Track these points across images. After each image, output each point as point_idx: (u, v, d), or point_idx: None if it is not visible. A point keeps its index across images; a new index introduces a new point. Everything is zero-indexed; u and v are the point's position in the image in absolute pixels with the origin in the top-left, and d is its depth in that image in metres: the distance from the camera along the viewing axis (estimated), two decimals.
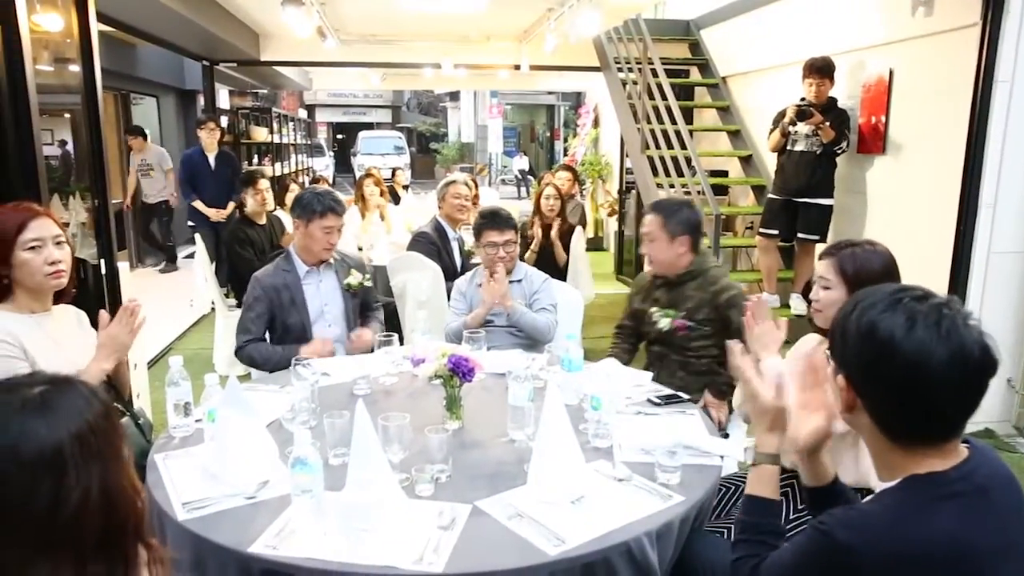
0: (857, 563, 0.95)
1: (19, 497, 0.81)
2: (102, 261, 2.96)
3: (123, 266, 3.10)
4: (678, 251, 2.33)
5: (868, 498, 1.08)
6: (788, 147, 4.10)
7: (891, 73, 3.86)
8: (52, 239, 1.75)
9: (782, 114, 4.13)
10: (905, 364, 0.95)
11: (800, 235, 4.13)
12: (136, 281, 3.85)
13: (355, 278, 2.62)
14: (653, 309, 2.39)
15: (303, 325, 2.56)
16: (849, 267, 1.66)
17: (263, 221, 4.32)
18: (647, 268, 2.53)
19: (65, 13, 2.88)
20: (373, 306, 2.80)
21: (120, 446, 0.90)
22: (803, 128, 4.00)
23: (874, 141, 4.00)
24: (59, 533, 0.82)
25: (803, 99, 4.07)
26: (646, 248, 2.38)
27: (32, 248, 1.71)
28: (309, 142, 13.17)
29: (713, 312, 2.32)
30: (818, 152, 4.01)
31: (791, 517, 1.65)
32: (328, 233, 2.53)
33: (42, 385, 0.89)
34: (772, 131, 4.17)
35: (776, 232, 4.23)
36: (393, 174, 8.22)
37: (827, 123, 3.89)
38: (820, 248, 3.97)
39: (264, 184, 4.33)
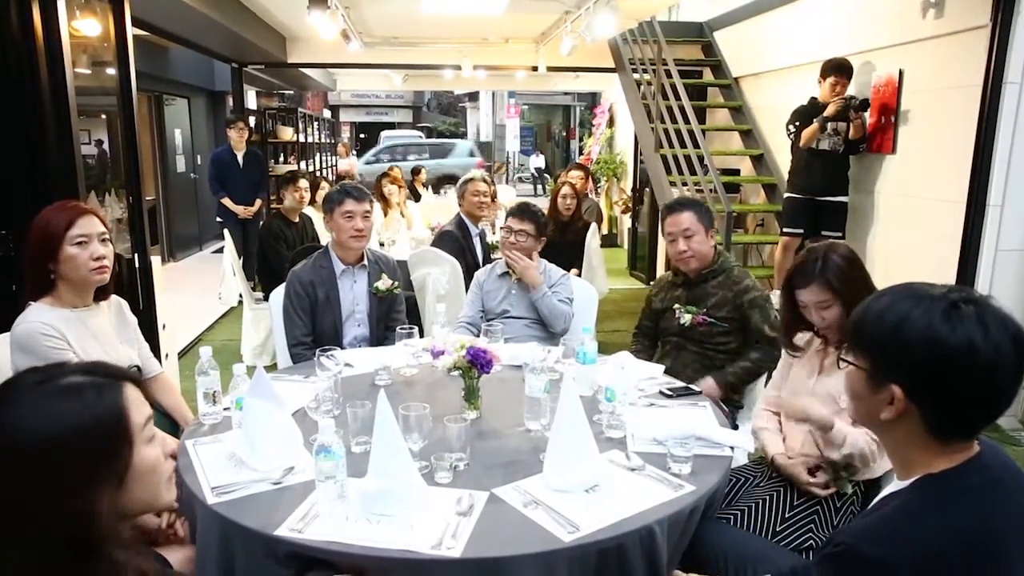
0: (891, 573, 0.94)
1: None
2: (135, 255, 3.06)
3: (155, 260, 3.19)
4: (711, 242, 2.39)
5: (876, 501, 1.08)
6: (812, 146, 4.09)
7: (901, 74, 3.86)
8: (98, 236, 1.82)
9: (808, 109, 4.11)
10: (986, 370, 0.96)
11: (824, 233, 4.13)
12: (167, 275, 3.96)
13: (384, 283, 2.60)
14: (676, 306, 2.42)
15: (334, 323, 2.56)
16: (834, 280, 1.69)
17: (296, 219, 4.45)
18: (665, 269, 2.56)
19: (102, 19, 2.96)
20: (394, 315, 2.69)
21: (102, 464, 0.88)
22: (827, 126, 4.01)
23: (884, 140, 3.99)
24: (15, 525, 0.83)
25: (813, 99, 4.09)
26: (685, 245, 2.34)
27: (79, 243, 1.78)
28: (333, 141, 13.31)
29: (735, 311, 2.35)
30: (841, 151, 4.04)
31: (786, 516, 1.67)
32: (349, 218, 2.50)
33: (80, 376, 0.92)
34: (798, 127, 4.15)
35: (802, 231, 4.24)
36: (415, 173, 8.32)
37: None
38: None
39: (304, 184, 4.48)
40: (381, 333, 2.66)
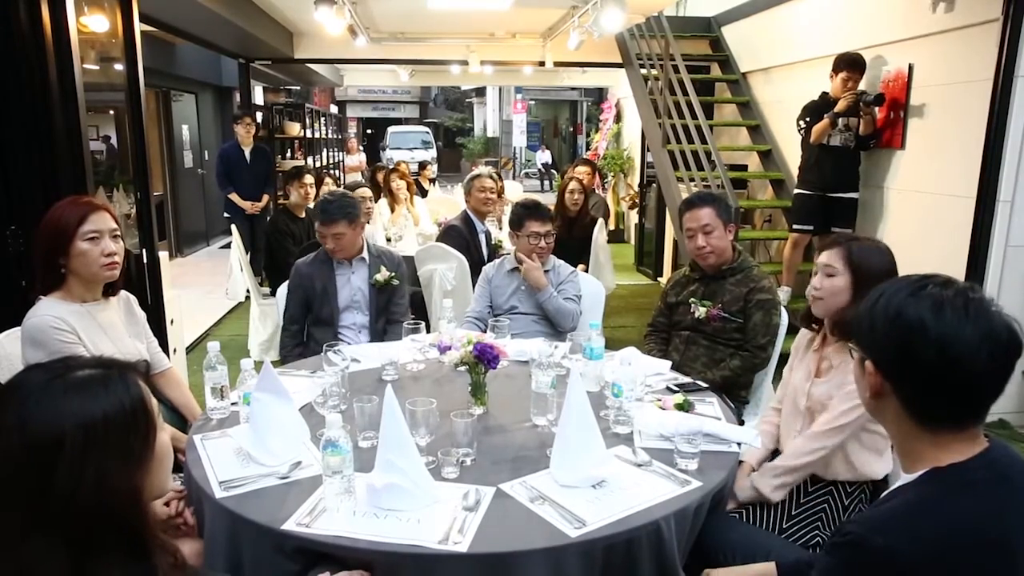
0: (899, 564, 0.94)
1: (14, 470, 0.85)
2: (143, 251, 3.07)
3: (163, 255, 3.20)
4: (729, 238, 2.39)
5: (885, 494, 1.08)
6: (824, 142, 4.05)
7: (911, 68, 3.82)
8: (109, 232, 1.82)
9: (819, 104, 4.07)
10: (936, 346, 0.97)
11: (835, 229, 4.10)
12: (174, 270, 3.99)
13: (382, 275, 2.70)
14: (692, 300, 2.43)
15: (332, 314, 2.67)
16: (856, 258, 1.69)
17: (302, 214, 4.46)
18: (672, 265, 2.56)
19: (110, 15, 2.97)
20: (393, 308, 2.76)
21: (138, 449, 0.91)
22: (838, 122, 3.99)
23: (893, 136, 3.95)
24: (47, 514, 0.85)
25: (824, 93, 4.06)
26: (703, 240, 2.34)
27: (90, 239, 1.79)
28: (340, 137, 13.35)
29: (743, 306, 2.34)
30: (852, 146, 4.01)
31: (794, 513, 1.67)
32: (323, 239, 2.64)
33: (92, 369, 0.93)
34: (809, 123, 4.12)
35: (812, 228, 4.20)
36: (422, 168, 8.33)
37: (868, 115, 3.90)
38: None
39: (309, 180, 4.50)
40: (382, 327, 2.74)
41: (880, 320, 1.02)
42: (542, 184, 18.38)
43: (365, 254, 2.73)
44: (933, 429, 1.01)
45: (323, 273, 2.69)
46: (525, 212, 2.74)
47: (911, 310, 0.99)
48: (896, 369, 1.02)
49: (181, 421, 2.05)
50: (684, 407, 1.84)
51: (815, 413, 1.71)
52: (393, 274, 2.73)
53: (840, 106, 3.91)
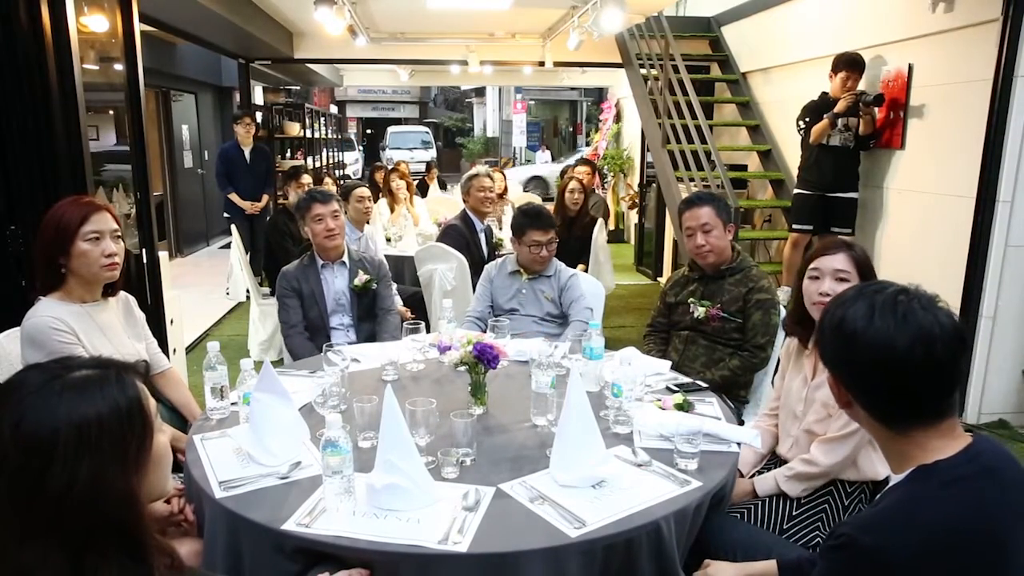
0: (890, 562, 0.95)
1: (9, 470, 0.85)
2: (143, 251, 3.07)
3: (163, 255, 3.21)
4: (728, 238, 2.40)
5: (879, 495, 1.09)
6: (823, 142, 4.06)
7: (910, 68, 3.83)
8: (110, 233, 1.83)
9: (818, 104, 4.08)
10: (870, 353, 1.00)
11: (834, 229, 4.10)
12: (174, 270, 3.99)
13: (360, 279, 2.80)
14: (691, 300, 2.43)
15: (321, 315, 2.74)
16: (863, 263, 1.72)
17: None
18: (672, 265, 2.56)
19: (110, 15, 2.97)
20: (377, 310, 2.87)
21: (133, 450, 0.90)
22: (837, 122, 3.99)
23: (893, 136, 3.96)
24: (43, 515, 0.84)
25: (824, 93, 4.06)
26: (702, 239, 2.35)
27: (91, 239, 1.79)
28: (340, 137, 13.36)
29: (742, 306, 2.35)
30: (851, 146, 4.02)
31: (794, 513, 1.67)
32: (319, 221, 2.69)
33: (90, 369, 0.93)
34: (808, 123, 4.13)
35: (811, 227, 4.21)
36: (428, 169, 8.36)
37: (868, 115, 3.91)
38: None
39: (307, 179, 4.52)
40: (368, 328, 2.84)
41: (827, 331, 1.05)
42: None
43: (346, 258, 2.82)
44: (902, 430, 1.03)
45: (310, 277, 2.76)
46: (527, 221, 2.69)
47: (848, 319, 1.02)
48: (847, 378, 1.05)
49: (181, 421, 2.05)
50: (684, 407, 1.84)
51: (816, 415, 1.71)
52: (370, 278, 2.82)
53: (840, 106, 3.91)
